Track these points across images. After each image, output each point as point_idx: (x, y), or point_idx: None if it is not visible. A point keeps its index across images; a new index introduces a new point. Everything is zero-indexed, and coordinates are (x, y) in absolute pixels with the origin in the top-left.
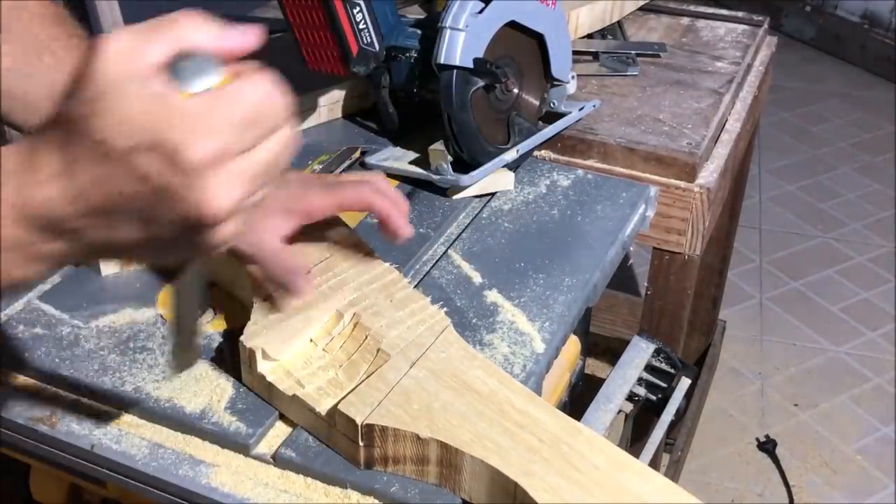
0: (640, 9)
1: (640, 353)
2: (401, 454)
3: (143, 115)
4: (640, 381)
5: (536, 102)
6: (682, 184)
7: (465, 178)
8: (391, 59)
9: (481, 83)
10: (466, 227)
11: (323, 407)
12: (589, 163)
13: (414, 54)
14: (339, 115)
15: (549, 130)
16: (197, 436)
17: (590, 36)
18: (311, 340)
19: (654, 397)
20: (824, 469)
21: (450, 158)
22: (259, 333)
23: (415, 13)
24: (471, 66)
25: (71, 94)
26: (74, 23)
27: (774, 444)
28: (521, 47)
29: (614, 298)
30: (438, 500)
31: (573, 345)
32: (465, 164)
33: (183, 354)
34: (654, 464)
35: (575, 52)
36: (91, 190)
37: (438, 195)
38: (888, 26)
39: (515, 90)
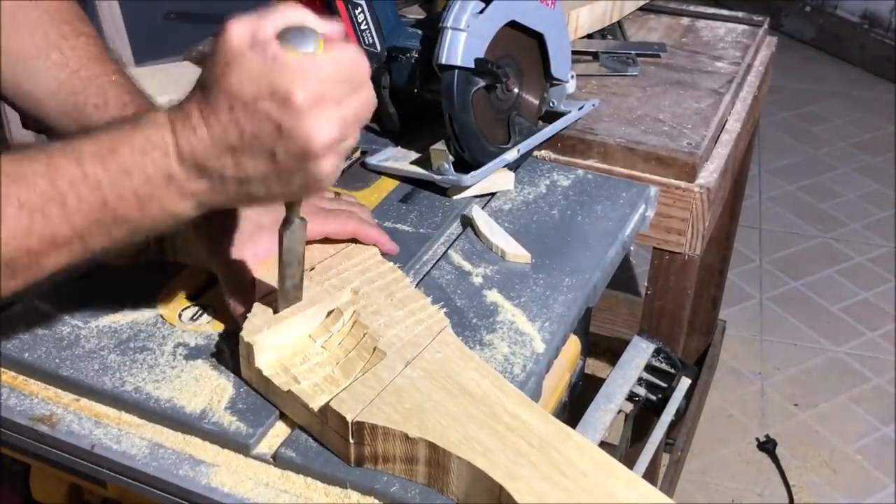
0: (640, 9)
1: (640, 353)
2: (390, 453)
3: (262, 70)
4: (640, 381)
5: (536, 102)
6: (682, 184)
7: (466, 178)
8: (392, 59)
9: (482, 83)
10: (466, 227)
11: (317, 403)
12: (589, 163)
13: (415, 55)
14: None
15: (549, 130)
16: (197, 436)
17: (590, 36)
18: (310, 337)
19: (654, 397)
20: (824, 469)
21: (451, 158)
22: (258, 328)
23: (415, 13)
24: (472, 66)
25: (207, 64)
26: (85, 19)
27: (774, 444)
28: (522, 47)
29: (614, 298)
30: (439, 501)
31: (573, 345)
32: (465, 164)
33: (291, 293)
34: (654, 464)
35: (575, 52)
36: (227, 132)
37: (438, 195)
38: (888, 26)
39: (516, 90)
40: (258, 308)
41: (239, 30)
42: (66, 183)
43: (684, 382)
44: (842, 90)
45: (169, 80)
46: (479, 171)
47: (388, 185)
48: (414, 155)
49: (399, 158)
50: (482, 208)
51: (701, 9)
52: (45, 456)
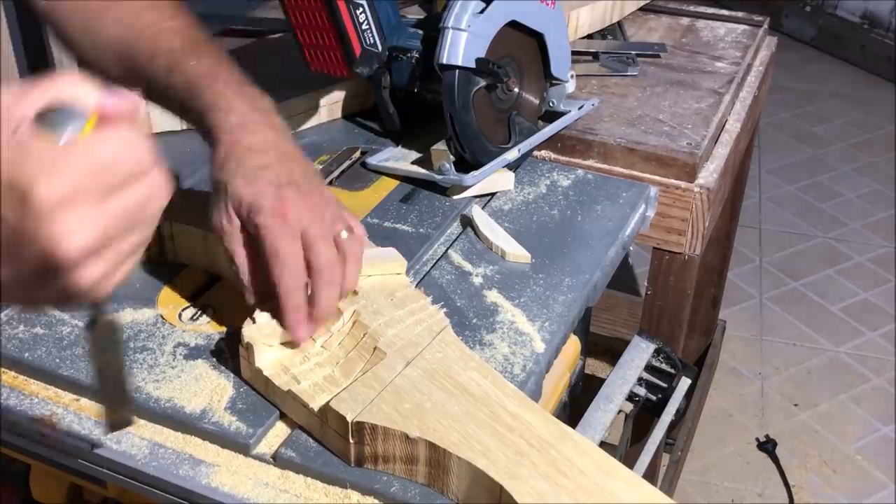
0: (640, 9)
1: (640, 353)
2: (390, 453)
3: (5, 159)
4: (640, 381)
5: (536, 102)
6: (682, 184)
7: (467, 178)
8: (392, 59)
9: (483, 83)
10: (466, 227)
11: (317, 403)
12: (589, 163)
13: (415, 55)
14: (339, 115)
15: (549, 129)
16: (197, 436)
17: (590, 36)
18: (311, 336)
19: (654, 397)
20: (824, 469)
21: (452, 158)
22: (259, 327)
23: (415, 13)
24: (473, 66)
25: None
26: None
27: (774, 444)
28: (522, 47)
29: (614, 298)
30: (439, 501)
31: (573, 345)
32: (466, 164)
33: (115, 413)
34: (654, 464)
35: (575, 53)
36: None
37: (439, 195)
38: (888, 26)
39: (516, 90)
40: (259, 308)
41: None
42: None
43: (684, 382)
44: (842, 90)
45: None
46: (479, 171)
47: (388, 185)
48: (414, 155)
49: (399, 158)
50: (482, 208)
51: (701, 9)
52: (45, 456)
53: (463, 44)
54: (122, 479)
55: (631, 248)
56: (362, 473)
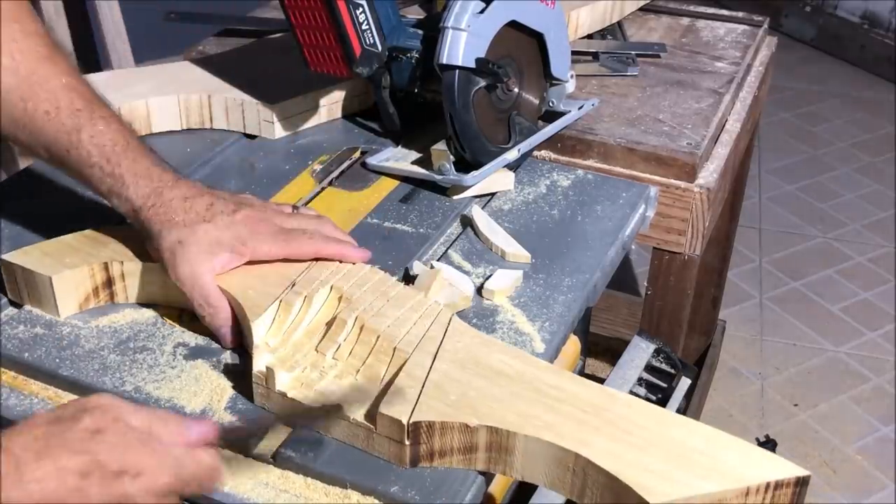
0: (640, 9)
1: (640, 353)
2: (448, 446)
3: None
4: (640, 381)
5: (536, 102)
6: (682, 184)
7: (468, 178)
8: (392, 59)
9: (483, 83)
10: (466, 227)
11: (357, 414)
12: (589, 163)
13: (415, 55)
14: (339, 115)
15: (549, 129)
16: None
17: (590, 36)
18: (317, 350)
19: (654, 397)
20: (824, 469)
21: (452, 158)
22: (268, 351)
23: (415, 13)
24: (473, 66)
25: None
26: (33, 14)
27: (774, 444)
28: (521, 47)
29: (614, 298)
30: (438, 501)
31: (573, 345)
32: (466, 164)
33: None
34: None
35: (575, 53)
36: None
37: (439, 195)
38: (888, 26)
39: (516, 90)
40: (256, 334)
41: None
42: None
43: (684, 382)
44: (842, 90)
45: (169, 80)
46: (479, 171)
47: (388, 185)
48: (414, 155)
49: (399, 158)
50: (482, 208)
51: (701, 9)
52: None
53: (463, 44)
54: None
55: (631, 248)
56: (362, 473)
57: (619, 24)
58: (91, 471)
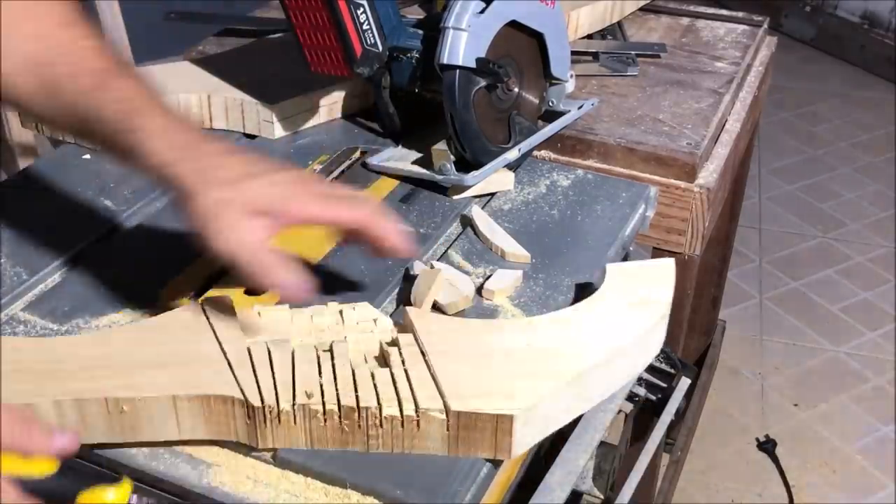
0: (640, 9)
1: None
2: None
3: None
4: (640, 381)
5: (536, 101)
6: (682, 184)
7: (468, 178)
8: (393, 59)
9: (483, 83)
10: (466, 226)
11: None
12: (589, 163)
13: (416, 55)
14: (339, 115)
15: (549, 129)
16: None
17: (590, 36)
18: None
19: (654, 397)
20: (824, 469)
21: (452, 158)
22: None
23: (415, 13)
24: (473, 66)
25: None
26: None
27: (774, 444)
28: (521, 46)
29: None
30: (438, 500)
31: None
32: (466, 164)
33: None
34: (653, 464)
35: (575, 53)
36: None
37: (439, 195)
38: (888, 26)
39: (516, 89)
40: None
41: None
42: None
43: (684, 382)
44: (842, 90)
45: (169, 80)
46: (480, 170)
47: (388, 185)
48: (415, 155)
49: (400, 158)
50: (482, 208)
51: (701, 9)
52: None
53: (463, 44)
54: None
55: (631, 248)
56: (362, 473)
57: (619, 24)
58: None
